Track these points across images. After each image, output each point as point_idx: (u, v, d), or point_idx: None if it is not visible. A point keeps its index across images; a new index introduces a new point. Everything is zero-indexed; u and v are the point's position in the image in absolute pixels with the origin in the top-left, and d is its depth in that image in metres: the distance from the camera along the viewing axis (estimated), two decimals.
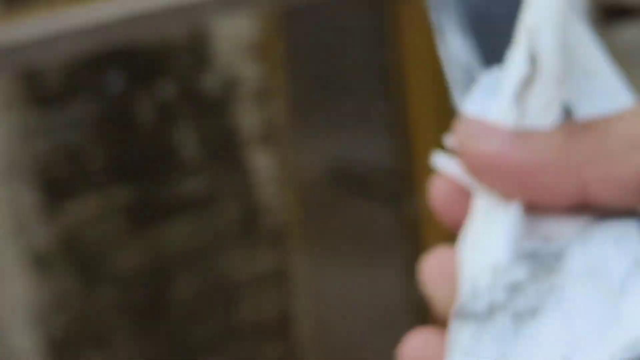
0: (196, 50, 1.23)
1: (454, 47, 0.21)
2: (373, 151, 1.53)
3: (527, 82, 0.18)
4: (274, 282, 1.32)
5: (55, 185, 1.17)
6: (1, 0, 1.11)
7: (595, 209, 0.18)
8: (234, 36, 1.27)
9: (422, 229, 1.38)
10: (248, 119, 1.27)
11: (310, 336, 1.39)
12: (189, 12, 1.15)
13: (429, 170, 0.22)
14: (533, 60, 0.18)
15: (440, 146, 0.21)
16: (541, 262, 0.18)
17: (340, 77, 1.49)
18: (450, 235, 0.21)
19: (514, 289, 0.17)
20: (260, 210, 1.32)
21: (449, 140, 0.20)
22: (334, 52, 1.46)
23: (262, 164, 1.30)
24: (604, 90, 0.19)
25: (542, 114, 0.18)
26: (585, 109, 0.19)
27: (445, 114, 1.22)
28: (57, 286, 1.18)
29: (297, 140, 1.41)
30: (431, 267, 0.22)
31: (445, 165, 0.21)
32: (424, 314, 1.23)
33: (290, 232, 1.36)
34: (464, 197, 0.21)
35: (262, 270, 1.30)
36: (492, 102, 0.19)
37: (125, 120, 1.20)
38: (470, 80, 0.20)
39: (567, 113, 0.19)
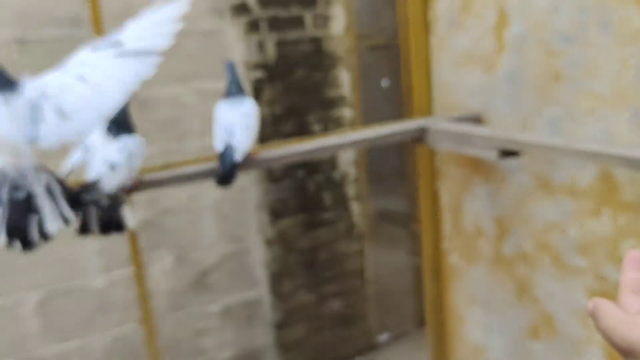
0: (332, 162, 3.07)
1: None
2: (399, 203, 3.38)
3: None
4: (359, 256, 3.16)
5: (276, 212, 3.02)
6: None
7: None
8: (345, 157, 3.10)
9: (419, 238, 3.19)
10: (352, 189, 3.11)
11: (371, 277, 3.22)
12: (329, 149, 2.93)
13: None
14: None
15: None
16: None
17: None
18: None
19: None
20: (354, 226, 3.15)
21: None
22: None
23: (356, 211, 3.14)
24: None
25: None
26: None
27: None
28: (273, 252, 3.03)
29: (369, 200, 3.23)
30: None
31: None
32: (417, 274, 3.01)
33: (365, 234, 3.18)
34: None
35: (354, 249, 3.14)
36: None
37: (304, 190, 3.05)
38: None
39: None
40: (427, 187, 2.60)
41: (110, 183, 1.52)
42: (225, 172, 1.80)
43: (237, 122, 1.87)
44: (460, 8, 2.37)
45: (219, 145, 1.87)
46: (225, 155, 1.83)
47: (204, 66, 2.73)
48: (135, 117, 2.69)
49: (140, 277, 2.14)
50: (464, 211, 2.51)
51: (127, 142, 1.64)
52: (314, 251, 3.09)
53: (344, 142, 2.26)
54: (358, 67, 3.03)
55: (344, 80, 3.03)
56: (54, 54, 2.35)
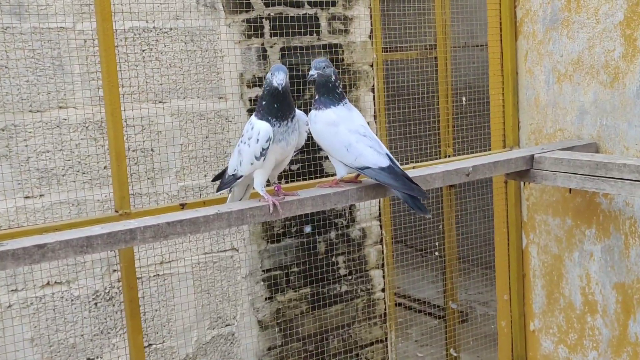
0: (349, 213, 2.42)
1: None
2: None
3: None
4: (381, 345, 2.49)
5: (273, 284, 2.30)
6: None
7: None
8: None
9: None
10: (374, 253, 2.47)
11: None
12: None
13: None
14: None
15: None
16: None
17: None
18: None
19: None
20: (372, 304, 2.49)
21: None
22: None
23: (378, 284, 2.49)
24: None
25: None
26: None
27: None
28: (269, 337, 2.30)
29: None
30: None
31: None
32: None
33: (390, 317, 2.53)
34: None
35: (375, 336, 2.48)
36: None
37: (310, 247, 2.36)
38: None
39: None
40: (511, 245, 2.03)
41: None
42: (423, 192, 1.49)
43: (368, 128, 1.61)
44: (566, 0, 1.88)
45: (382, 160, 1.52)
46: (398, 171, 1.51)
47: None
48: None
49: None
50: (567, 277, 1.95)
51: None
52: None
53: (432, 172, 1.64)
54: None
55: (367, 103, 2.45)
56: None
